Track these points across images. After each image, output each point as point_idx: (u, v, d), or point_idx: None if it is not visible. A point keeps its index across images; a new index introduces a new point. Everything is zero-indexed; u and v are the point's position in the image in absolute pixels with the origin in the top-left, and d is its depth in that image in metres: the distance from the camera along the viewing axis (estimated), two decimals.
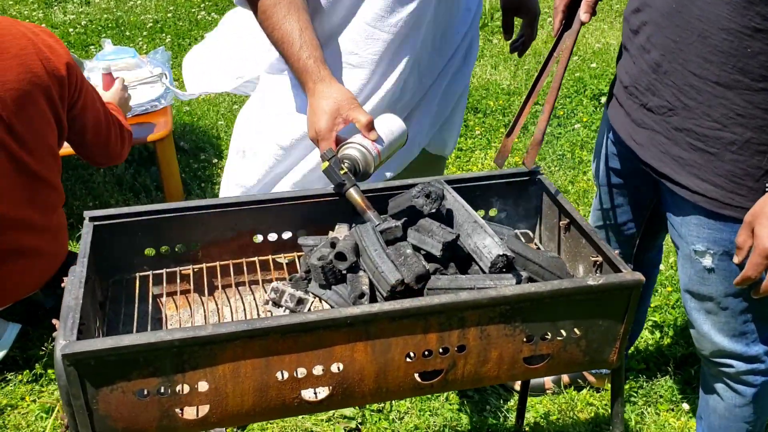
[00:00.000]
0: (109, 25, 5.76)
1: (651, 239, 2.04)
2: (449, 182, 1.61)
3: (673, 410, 2.41)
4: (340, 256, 1.42)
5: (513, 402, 2.40)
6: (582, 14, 1.62)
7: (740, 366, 1.78)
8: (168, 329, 1.22)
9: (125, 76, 3.59)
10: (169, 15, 6.00)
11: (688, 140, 1.57)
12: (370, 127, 1.60)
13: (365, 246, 1.41)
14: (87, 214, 1.51)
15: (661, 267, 2.94)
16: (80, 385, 1.17)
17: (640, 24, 1.60)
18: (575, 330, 1.37)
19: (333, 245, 1.47)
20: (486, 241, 1.39)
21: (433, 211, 1.44)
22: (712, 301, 1.71)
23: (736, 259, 1.54)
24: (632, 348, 2.56)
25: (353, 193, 1.53)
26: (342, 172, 1.54)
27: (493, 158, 1.65)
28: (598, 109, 4.38)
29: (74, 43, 5.43)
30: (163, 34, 5.64)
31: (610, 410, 1.47)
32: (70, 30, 5.62)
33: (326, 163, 1.56)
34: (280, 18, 1.66)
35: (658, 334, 2.68)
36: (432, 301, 1.26)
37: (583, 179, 3.73)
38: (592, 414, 2.39)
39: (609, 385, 2.47)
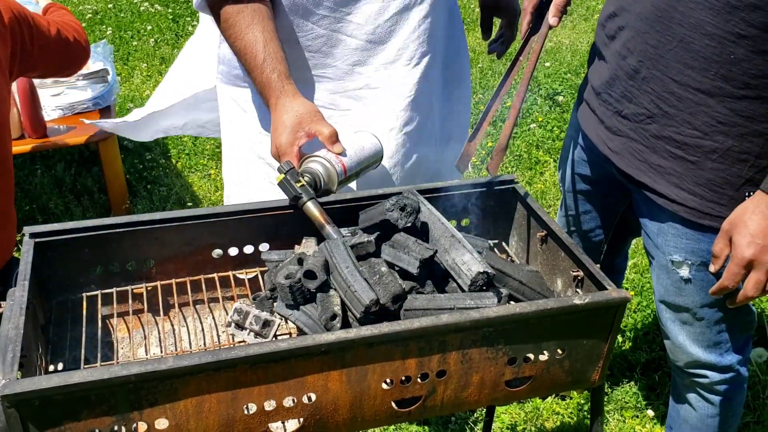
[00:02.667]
0: None
1: (618, 246, 2.00)
2: (421, 192, 1.53)
3: (638, 417, 2.39)
4: (310, 275, 1.33)
5: (479, 413, 2.34)
6: (550, 18, 1.57)
7: (714, 376, 1.75)
8: (124, 363, 1.10)
9: None
10: (110, 6, 5.77)
11: (668, 148, 1.52)
12: (334, 139, 1.51)
13: (336, 263, 1.32)
14: (27, 230, 1.38)
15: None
16: (22, 429, 1.05)
17: (616, 29, 1.55)
18: (559, 350, 1.31)
19: (301, 262, 1.37)
20: (465, 257, 1.31)
21: (409, 225, 1.36)
22: (688, 312, 1.67)
23: (712, 268, 1.50)
24: None
25: (311, 207, 1.43)
26: (299, 184, 1.44)
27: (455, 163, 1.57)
28: (552, 108, 4.36)
29: None
30: (104, 26, 5.42)
31: (589, 427, 1.41)
32: None
33: (281, 176, 1.46)
34: (243, 27, 1.55)
35: (620, 339, 2.66)
36: (412, 325, 1.17)
37: (540, 180, 3.70)
38: (558, 423, 2.35)
39: (574, 393, 2.44)
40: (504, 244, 1.67)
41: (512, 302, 1.41)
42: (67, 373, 1.06)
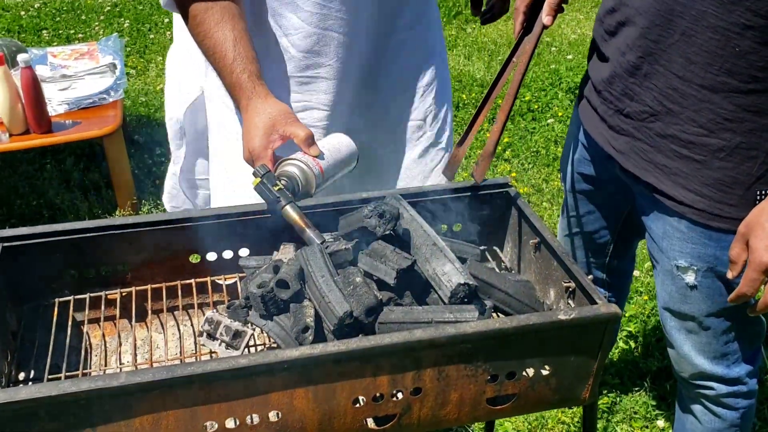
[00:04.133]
0: (64, 8, 5.52)
1: (624, 247, 1.91)
2: (408, 196, 1.46)
3: (647, 427, 2.30)
4: (282, 284, 1.27)
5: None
6: (544, 17, 1.48)
7: (721, 388, 1.66)
8: (74, 379, 1.06)
9: (72, 65, 3.40)
10: None
11: (673, 147, 1.44)
12: (310, 141, 1.44)
13: (311, 271, 1.26)
14: None
15: (636, 273, 2.83)
16: None
17: (616, 24, 1.46)
18: (544, 367, 1.24)
19: (276, 269, 1.32)
20: (446, 268, 1.25)
21: (387, 232, 1.29)
22: (694, 321, 1.59)
23: (729, 274, 1.41)
24: (606, 359, 2.44)
25: (290, 211, 1.37)
26: (276, 188, 1.38)
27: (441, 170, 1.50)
28: (573, 102, 4.26)
29: (26, 27, 5.19)
30: (122, 19, 5.42)
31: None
32: (22, 13, 5.37)
33: (257, 180, 1.39)
34: (212, 25, 1.48)
35: (633, 345, 2.57)
36: (382, 341, 1.11)
37: (558, 177, 3.61)
38: None
39: None
40: (498, 250, 1.60)
41: (498, 315, 1.35)
42: (15, 388, 1.02)
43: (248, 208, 1.46)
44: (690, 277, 1.52)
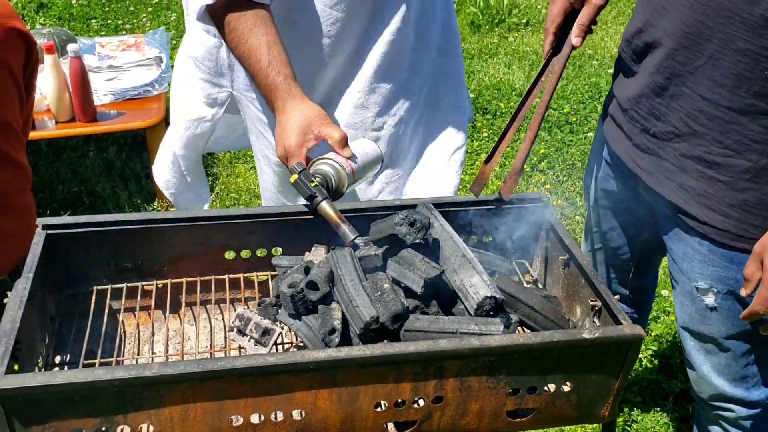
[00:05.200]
0: None
1: (647, 265, 1.91)
2: (440, 206, 1.48)
3: None
4: (312, 285, 1.30)
5: None
6: (573, 38, 1.50)
7: (741, 411, 1.66)
8: (109, 367, 1.10)
9: (119, 56, 3.48)
10: None
11: (698, 168, 1.44)
12: (344, 143, 1.48)
13: (341, 275, 1.29)
14: (41, 221, 1.40)
15: (665, 292, 2.81)
16: (7, 424, 1.05)
17: (644, 45, 1.47)
18: (566, 384, 1.25)
19: (307, 270, 1.35)
20: (473, 279, 1.26)
21: (417, 241, 1.31)
22: (713, 342, 1.59)
23: (743, 292, 1.42)
24: (628, 377, 2.43)
25: (325, 206, 1.41)
26: (312, 184, 1.42)
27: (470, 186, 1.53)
28: None
29: (76, 15, 5.30)
30: (169, 12, 5.51)
31: None
32: (73, 1, 5.49)
33: (295, 176, 1.44)
34: (245, 31, 1.53)
35: (657, 364, 2.56)
36: (406, 349, 1.13)
37: None
38: None
39: None
40: (527, 264, 1.61)
41: (523, 329, 1.37)
42: (52, 372, 1.06)
43: (283, 208, 1.49)
44: (710, 299, 1.52)
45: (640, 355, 2.54)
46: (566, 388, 1.24)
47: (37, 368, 1.30)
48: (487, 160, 1.51)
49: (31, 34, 2.06)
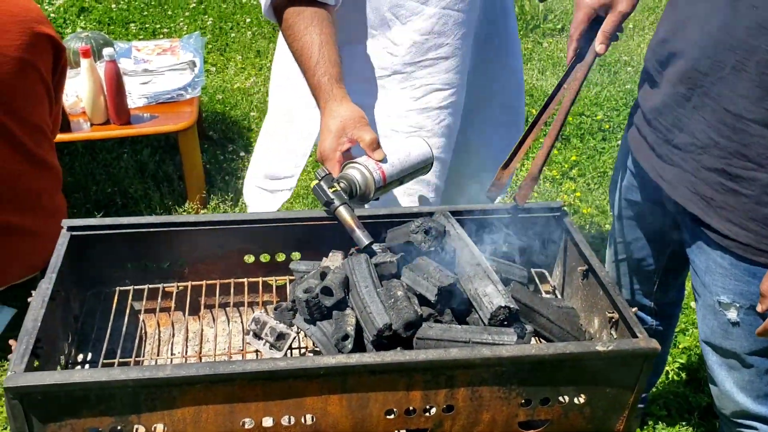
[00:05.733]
0: (152, 2, 5.72)
1: (672, 276, 1.89)
2: (458, 213, 1.49)
3: None
4: (327, 291, 1.31)
5: None
6: (597, 45, 1.49)
7: (764, 429, 1.63)
8: (124, 368, 1.12)
9: (154, 60, 3.53)
10: None
11: (720, 180, 1.42)
12: (375, 146, 1.49)
13: (356, 281, 1.30)
14: (65, 223, 1.43)
15: (693, 304, 2.76)
16: (25, 420, 1.08)
17: (667, 55, 1.46)
18: (579, 396, 1.24)
19: (324, 276, 1.36)
20: (488, 289, 1.26)
21: (432, 249, 1.32)
22: (736, 358, 1.56)
23: (759, 308, 1.39)
24: (653, 390, 2.40)
25: (342, 211, 1.42)
26: (332, 190, 1.43)
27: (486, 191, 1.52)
28: None
29: (116, 20, 5.40)
30: (206, 16, 5.58)
31: None
32: (113, 6, 5.59)
33: (315, 181, 1.45)
34: (301, 29, 1.56)
35: (684, 377, 2.52)
36: (417, 357, 1.14)
37: None
38: None
39: None
40: (546, 273, 1.60)
41: (539, 339, 1.36)
42: (68, 371, 1.09)
43: (303, 213, 1.50)
44: (732, 314, 1.50)
45: (667, 368, 2.50)
46: (580, 401, 1.23)
47: (59, 366, 1.33)
48: (505, 166, 1.51)
49: (59, 38, 2.12)
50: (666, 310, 1.95)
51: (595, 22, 1.53)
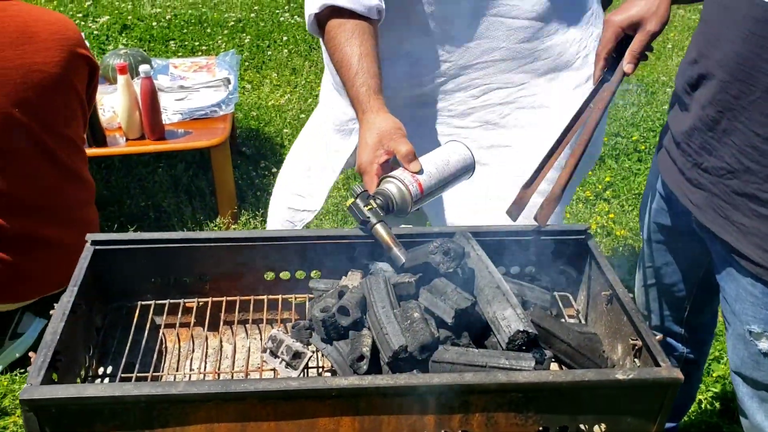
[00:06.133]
0: (192, 21, 5.81)
1: (703, 302, 1.84)
2: (480, 234, 1.47)
3: None
4: (344, 311, 1.30)
5: None
6: (625, 65, 1.47)
7: None
8: (137, 383, 1.12)
9: (190, 77, 3.58)
10: (253, 15, 6.01)
11: (751, 206, 1.38)
12: (410, 158, 1.47)
13: (373, 301, 1.29)
14: (89, 236, 1.44)
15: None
16: None
17: (697, 77, 1.43)
18: (599, 425, 1.21)
19: (341, 295, 1.35)
20: (506, 312, 1.24)
21: (450, 270, 1.30)
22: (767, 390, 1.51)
23: None
24: (685, 419, 2.34)
25: (379, 229, 1.40)
26: (367, 208, 1.42)
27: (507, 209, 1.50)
28: None
29: (156, 37, 5.49)
30: (244, 34, 5.65)
31: None
32: (154, 24, 5.69)
33: (351, 200, 1.45)
34: (342, 41, 1.57)
35: (718, 407, 2.45)
36: (431, 380, 1.12)
37: None
38: None
39: None
40: (571, 297, 1.57)
41: (560, 366, 1.33)
42: (82, 385, 1.09)
43: (324, 232, 1.50)
44: (764, 344, 1.45)
45: (700, 396, 2.44)
46: (600, 430, 1.20)
47: (78, 378, 1.34)
48: (527, 186, 1.49)
49: (95, 58, 2.18)
50: (698, 337, 1.90)
51: (623, 41, 1.51)
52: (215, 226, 3.33)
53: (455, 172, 1.53)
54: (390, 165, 1.51)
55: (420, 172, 1.47)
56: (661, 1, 1.47)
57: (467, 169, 1.55)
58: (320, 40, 1.67)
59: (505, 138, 1.82)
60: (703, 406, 2.44)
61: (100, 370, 1.43)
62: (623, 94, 4.75)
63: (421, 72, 1.77)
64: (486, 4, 1.67)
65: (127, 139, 3.11)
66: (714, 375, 2.52)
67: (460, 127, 1.82)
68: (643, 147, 4.12)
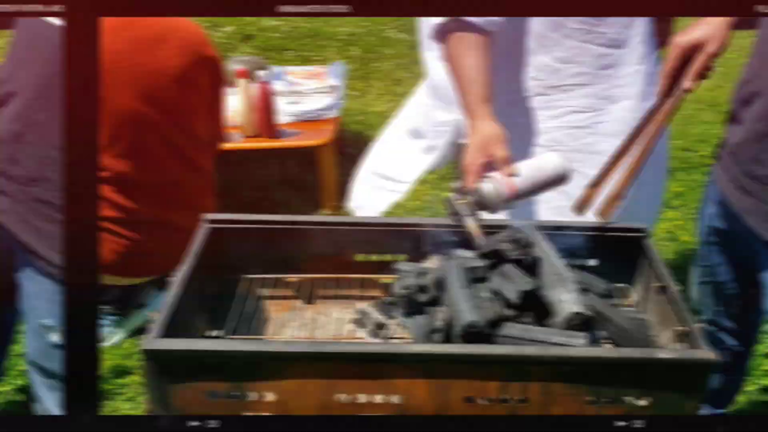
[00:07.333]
0: (308, 33, 6.00)
1: (753, 300, 1.83)
2: (546, 228, 1.51)
3: None
4: (423, 289, 1.39)
5: None
6: (686, 82, 1.48)
7: None
8: (240, 340, 1.23)
9: (303, 83, 3.74)
10: (362, 30, 6.15)
11: None
12: (507, 162, 1.56)
13: (449, 282, 1.36)
14: (206, 216, 1.57)
15: None
16: (157, 379, 1.21)
17: (749, 94, 1.43)
18: (641, 400, 1.24)
19: (422, 276, 1.43)
20: (565, 297, 1.29)
21: (519, 258, 1.36)
22: None
23: None
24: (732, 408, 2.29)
25: (467, 221, 1.50)
26: (461, 202, 1.51)
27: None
28: None
29: (275, 47, 5.72)
30: (354, 47, 5.80)
31: None
32: (273, 35, 5.92)
33: (447, 194, 1.54)
34: (460, 52, 1.67)
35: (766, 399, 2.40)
36: (494, 351, 1.19)
37: None
38: None
39: None
40: (627, 288, 1.60)
41: (608, 345, 1.37)
42: (194, 339, 1.21)
43: (411, 220, 1.59)
44: None
45: (749, 388, 2.39)
46: (643, 403, 1.23)
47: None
48: (593, 184, 1.53)
49: (219, 58, 2.29)
50: (745, 332, 1.91)
51: (687, 61, 1.52)
52: None
53: (547, 179, 1.59)
54: (491, 167, 1.59)
55: (514, 176, 1.54)
56: (721, 26, 1.47)
57: (560, 178, 1.61)
58: (431, 45, 1.78)
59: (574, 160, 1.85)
60: (751, 397, 2.40)
61: (211, 334, 1.56)
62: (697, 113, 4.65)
63: (515, 89, 1.85)
64: (578, 30, 1.73)
65: (244, 137, 3.29)
66: (762, 369, 2.48)
67: (537, 145, 1.87)
68: (711, 162, 4.01)
